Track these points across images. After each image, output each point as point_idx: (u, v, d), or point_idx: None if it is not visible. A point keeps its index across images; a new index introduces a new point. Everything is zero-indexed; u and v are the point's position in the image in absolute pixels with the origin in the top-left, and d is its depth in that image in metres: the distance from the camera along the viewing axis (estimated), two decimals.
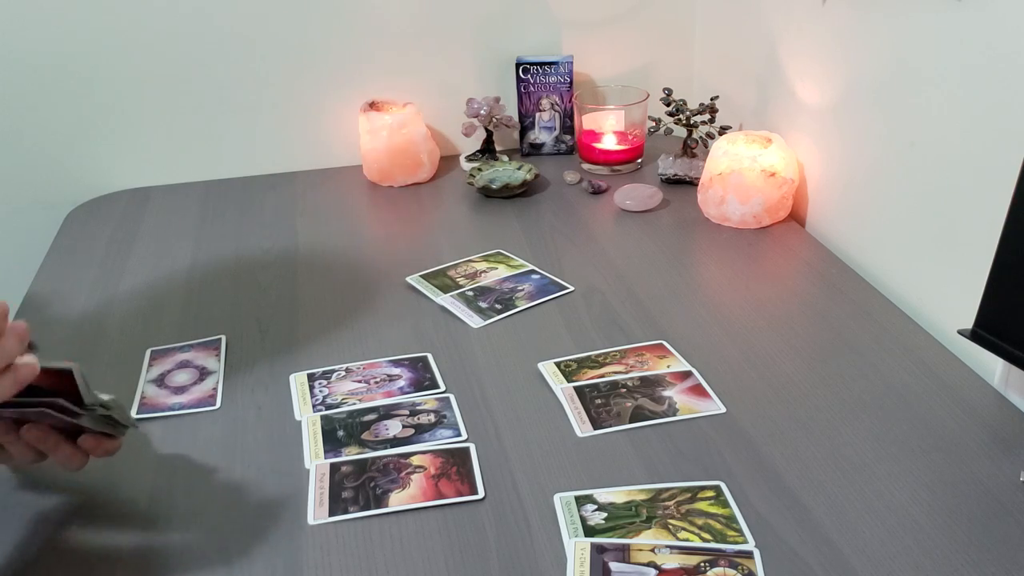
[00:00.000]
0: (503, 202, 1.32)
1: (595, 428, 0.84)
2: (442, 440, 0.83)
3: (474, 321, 1.02)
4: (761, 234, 1.19)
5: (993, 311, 0.80)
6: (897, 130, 1.02)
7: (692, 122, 1.33)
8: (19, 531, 0.75)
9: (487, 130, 1.44)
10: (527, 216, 1.27)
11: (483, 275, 1.12)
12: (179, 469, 0.81)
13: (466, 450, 0.82)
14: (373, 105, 1.40)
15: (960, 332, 0.83)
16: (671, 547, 0.70)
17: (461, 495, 0.77)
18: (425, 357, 0.96)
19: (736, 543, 0.71)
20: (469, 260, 1.15)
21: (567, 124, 1.47)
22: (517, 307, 1.05)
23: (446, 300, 1.06)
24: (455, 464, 0.80)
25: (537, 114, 1.46)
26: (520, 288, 1.09)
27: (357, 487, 0.78)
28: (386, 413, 0.87)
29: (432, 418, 0.86)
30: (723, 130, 1.30)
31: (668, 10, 1.49)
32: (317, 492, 0.78)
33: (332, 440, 0.84)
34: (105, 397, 0.72)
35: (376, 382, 0.92)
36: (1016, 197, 0.76)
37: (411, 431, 0.85)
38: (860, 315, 1.00)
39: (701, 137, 1.34)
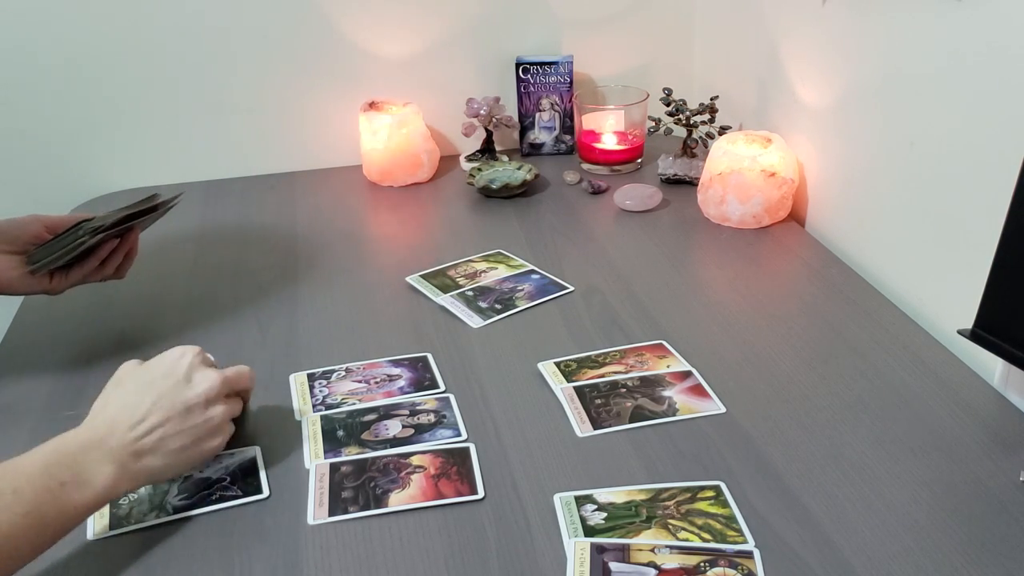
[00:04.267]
0: (503, 202, 1.32)
1: (595, 428, 0.84)
2: (442, 440, 0.83)
3: (474, 321, 1.02)
4: (761, 234, 1.19)
5: (993, 311, 0.80)
6: (897, 130, 1.02)
7: (692, 122, 1.33)
8: None
9: (487, 130, 1.44)
10: (527, 216, 1.27)
11: (483, 275, 1.12)
12: None
13: (466, 450, 0.82)
14: (373, 105, 1.40)
15: (960, 332, 0.83)
16: (671, 547, 0.70)
17: (461, 495, 0.77)
18: (425, 357, 0.96)
19: (736, 543, 0.71)
20: (469, 260, 1.15)
21: (567, 124, 1.47)
22: (517, 307, 1.05)
23: (446, 300, 1.06)
24: (455, 464, 0.80)
25: (537, 114, 1.46)
26: (520, 288, 1.09)
27: (357, 487, 0.78)
28: (386, 413, 0.87)
29: (432, 418, 0.86)
30: (723, 130, 1.30)
31: (668, 10, 1.49)
32: (317, 492, 0.78)
33: (332, 440, 0.84)
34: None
35: (376, 382, 0.92)
36: (1016, 197, 0.76)
37: (411, 431, 0.85)
38: (860, 315, 1.00)
39: (701, 137, 1.34)
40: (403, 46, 1.42)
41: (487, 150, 1.45)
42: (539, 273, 1.12)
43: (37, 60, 1.32)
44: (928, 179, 0.98)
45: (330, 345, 0.99)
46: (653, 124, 1.37)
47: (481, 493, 0.77)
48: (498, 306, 1.05)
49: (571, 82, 1.43)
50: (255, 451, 0.82)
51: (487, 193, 1.33)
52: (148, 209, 1.00)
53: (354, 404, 0.89)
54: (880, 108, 1.05)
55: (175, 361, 0.76)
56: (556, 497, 0.76)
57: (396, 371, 0.94)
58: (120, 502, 0.77)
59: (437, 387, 0.91)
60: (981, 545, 0.70)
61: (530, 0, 1.43)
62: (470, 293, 1.08)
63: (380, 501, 0.76)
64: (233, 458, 0.82)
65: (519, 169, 1.36)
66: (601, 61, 1.49)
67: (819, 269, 1.11)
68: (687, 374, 0.91)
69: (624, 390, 0.89)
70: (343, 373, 0.94)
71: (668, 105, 1.34)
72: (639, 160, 1.42)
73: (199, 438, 0.74)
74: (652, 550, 0.70)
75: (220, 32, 1.35)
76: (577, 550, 0.70)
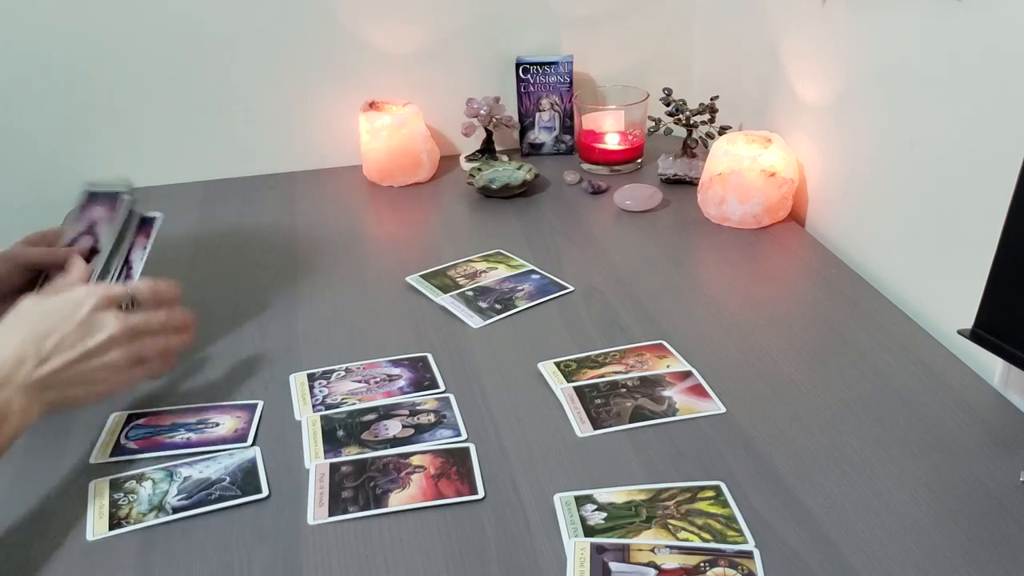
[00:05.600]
0: (503, 202, 1.32)
1: (595, 428, 0.84)
2: (442, 440, 0.83)
3: (474, 321, 1.02)
4: (761, 234, 1.19)
5: (993, 311, 0.80)
6: (897, 130, 1.02)
7: (692, 122, 1.33)
8: (22, 536, 0.75)
9: (487, 130, 1.44)
10: (527, 216, 1.27)
11: (483, 275, 1.12)
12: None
13: (466, 450, 0.82)
14: (373, 105, 1.40)
15: (960, 332, 0.83)
16: (671, 547, 0.70)
17: (461, 495, 0.77)
18: (425, 357, 0.96)
19: (736, 543, 0.71)
20: (469, 260, 1.15)
21: (567, 124, 1.47)
22: (517, 307, 1.05)
23: (446, 300, 1.06)
24: (455, 464, 0.80)
25: (537, 114, 1.46)
26: (520, 288, 1.09)
27: (357, 487, 0.78)
28: (386, 413, 0.87)
29: (432, 418, 0.86)
30: (723, 130, 1.30)
31: (668, 10, 1.49)
32: (317, 492, 0.78)
33: (332, 440, 0.84)
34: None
35: (376, 382, 0.92)
36: (1016, 197, 0.76)
37: (411, 431, 0.85)
38: (860, 315, 1.00)
39: (701, 137, 1.34)
40: (403, 46, 1.42)
41: (487, 150, 1.45)
42: (539, 273, 1.12)
43: (36, 60, 1.32)
44: (928, 179, 0.98)
45: (330, 345, 0.99)
46: (653, 124, 1.37)
47: (481, 493, 0.77)
48: (498, 306, 1.05)
49: (571, 82, 1.43)
50: (255, 451, 0.82)
51: (487, 193, 1.33)
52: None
53: (354, 404, 0.89)
54: (880, 108, 1.05)
55: (77, 305, 0.79)
56: (556, 497, 0.76)
57: (396, 371, 0.94)
58: (119, 503, 0.77)
59: (437, 387, 0.91)
60: (981, 545, 0.70)
61: (530, 0, 1.43)
62: (470, 293, 1.08)
63: (380, 501, 0.76)
64: (232, 458, 0.82)
65: (519, 169, 1.36)
66: (601, 61, 1.49)
67: (819, 269, 1.11)
68: (687, 374, 0.91)
69: (624, 390, 0.89)
70: (343, 373, 0.94)
71: (668, 105, 1.34)
72: (639, 160, 1.42)
73: (97, 380, 0.78)
74: (652, 550, 0.70)
75: (220, 32, 1.35)
76: (577, 550, 0.70)
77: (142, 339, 0.82)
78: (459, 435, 0.84)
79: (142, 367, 0.82)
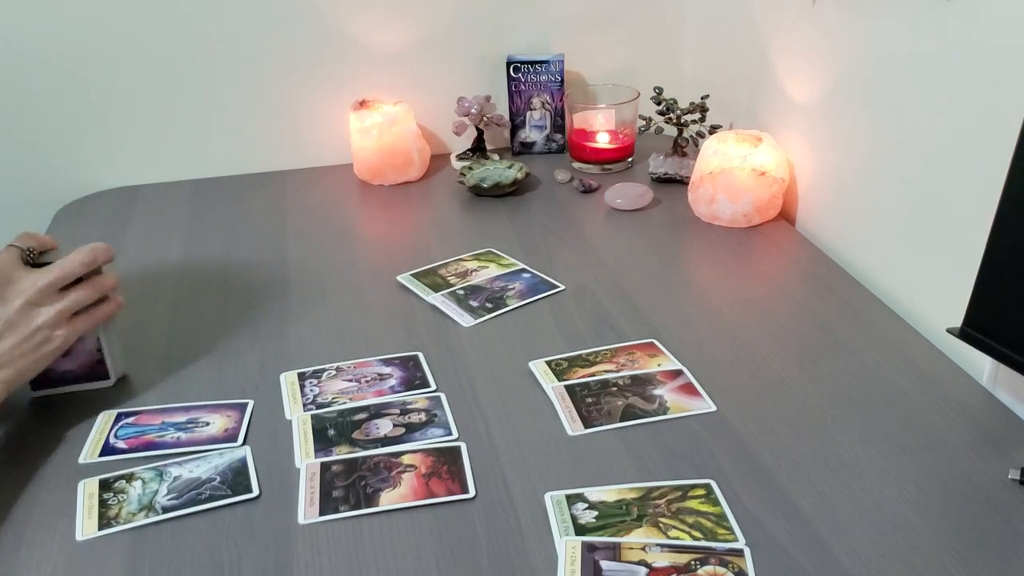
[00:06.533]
0: (494, 201, 1.32)
1: (586, 427, 0.84)
2: (433, 439, 0.83)
3: (465, 320, 1.02)
4: (751, 233, 1.20)
5: (982, 309, 0.80)
6: (886, 130, 1.02)
7: (683, 121, 1.33)
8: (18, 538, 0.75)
9: (478, 129, 1.44)
10: (518, 215, 1.27)
11: (474, 274, 1.12)
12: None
13: (457, 449, 0.82)
14: (364, 103, 1.39)
15: (949, 331, 0.84)
16: (662, 545, 0.70)
17: (452, 494, 0.77)
18: (416, 356, 0.96)
19: (726, 541, 0.71)
20: (460, 259, 1.15)
21: (558, 123, 1.47)
22: (508, 306, 1.05)
23: (437, 299, 1.06)
24: (446, 463, 0.80)
25: (528, 113, 1.46)
26: (511, 287, 1.09)
27: (348, 486, 0.78)
28: (377, 412, 0.87)
29: (423, 417, 0.86)
30: (713, 129, 1.30)
31: (659, 9, 1.49)
32: (307, 491, 0.77)
33: (323, 439, 0.84)
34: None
35: (367, 381, 0.92)
36: (1004, 196, 0.76)
37: (402, 430, 0.85)
38: (850, 314, 1.01)
39: (692, 136, 1.34)
40: (394, 44, 1.42)
41: (478, 149, 1.45)
42: (530, 272, 1.12)
43: (25, 59, 1.31)
44: (918, 178, 0.98)
45: (320, 344, 0.99)
46: (644, 123, 1.37)
47: (472, 492, 0.77)
48: (489, 305, 1.05)
49: (562, 81, 1.43)
50: (245, 451, 0.82)
51: (478, 192, 1.33)
52: None
53: (345, 403, 0.89)
54: (870, 107, 1.05)
55: (7, 311, 0.82)
56: (547, 496, 0.76)
57: (387, 370, 0.94)
58: (109, 502, 0.76)
59: (428, 386, 0.91)
60: (970, 542, 0.70)
61: None
62: (461, 292, 1.08)
63: (371, 500, 0.76)
64: (223, 457, 0.81)
65: (510, 168, 1.36)
66: (592, 60, 1.49)
67: (809, 268, 1.11)
68: (678, 373, 0.91)
69: (615, 389, 0.89)
70: (334, 372, 0.94)
71: (659, 104, 1.34)
72: (630, 159, 1.42)
73: (36, 344, 0.83)
74: (643, 548, 0.70)
75: (209, 30, 1.35)
76: (568, 549, 0.70)
77: (79, 316, 0.86)
78: (450, 434, 0.84)
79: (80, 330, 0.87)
